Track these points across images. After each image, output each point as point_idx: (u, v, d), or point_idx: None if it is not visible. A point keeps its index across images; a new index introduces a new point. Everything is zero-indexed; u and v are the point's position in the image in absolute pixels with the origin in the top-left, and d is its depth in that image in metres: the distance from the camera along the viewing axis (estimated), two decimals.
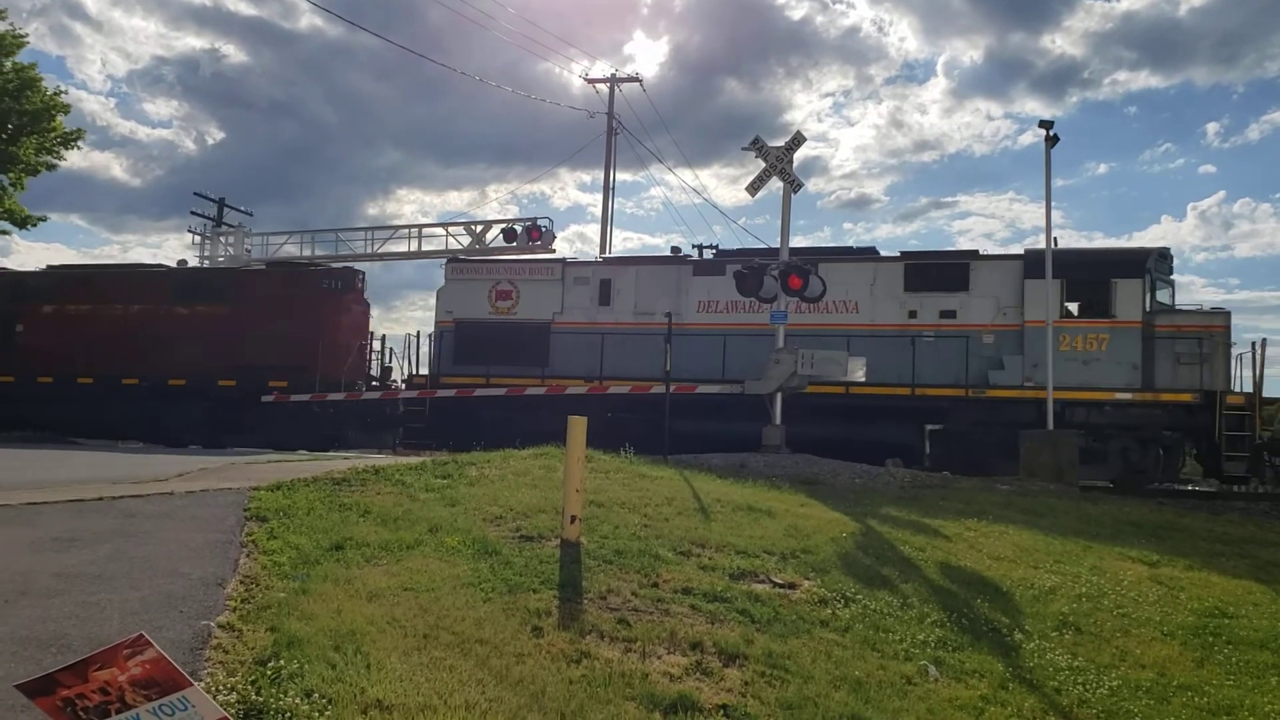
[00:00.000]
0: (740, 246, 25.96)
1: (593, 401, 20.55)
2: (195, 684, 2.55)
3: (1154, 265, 20.13)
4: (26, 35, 28.03)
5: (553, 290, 23.83)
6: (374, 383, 25.97)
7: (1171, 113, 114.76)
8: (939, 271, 21.24)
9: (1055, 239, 19.51)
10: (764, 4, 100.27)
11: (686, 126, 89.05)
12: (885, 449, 18.73)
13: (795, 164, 18.27)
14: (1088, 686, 6.61)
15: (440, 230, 30.91)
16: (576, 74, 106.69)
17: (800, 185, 18.53)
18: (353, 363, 24.86)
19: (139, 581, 5.90)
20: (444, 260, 26.02)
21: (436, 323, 24.60)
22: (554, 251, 27.63)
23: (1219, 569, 10.38)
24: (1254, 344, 19.12)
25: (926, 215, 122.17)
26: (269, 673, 4.52)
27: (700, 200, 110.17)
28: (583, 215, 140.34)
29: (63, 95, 28.04)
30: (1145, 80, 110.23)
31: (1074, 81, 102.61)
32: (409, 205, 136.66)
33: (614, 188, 34.37)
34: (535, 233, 28.06)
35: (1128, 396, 19.08)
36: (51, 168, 29.00)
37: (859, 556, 8.94)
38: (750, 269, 18.35)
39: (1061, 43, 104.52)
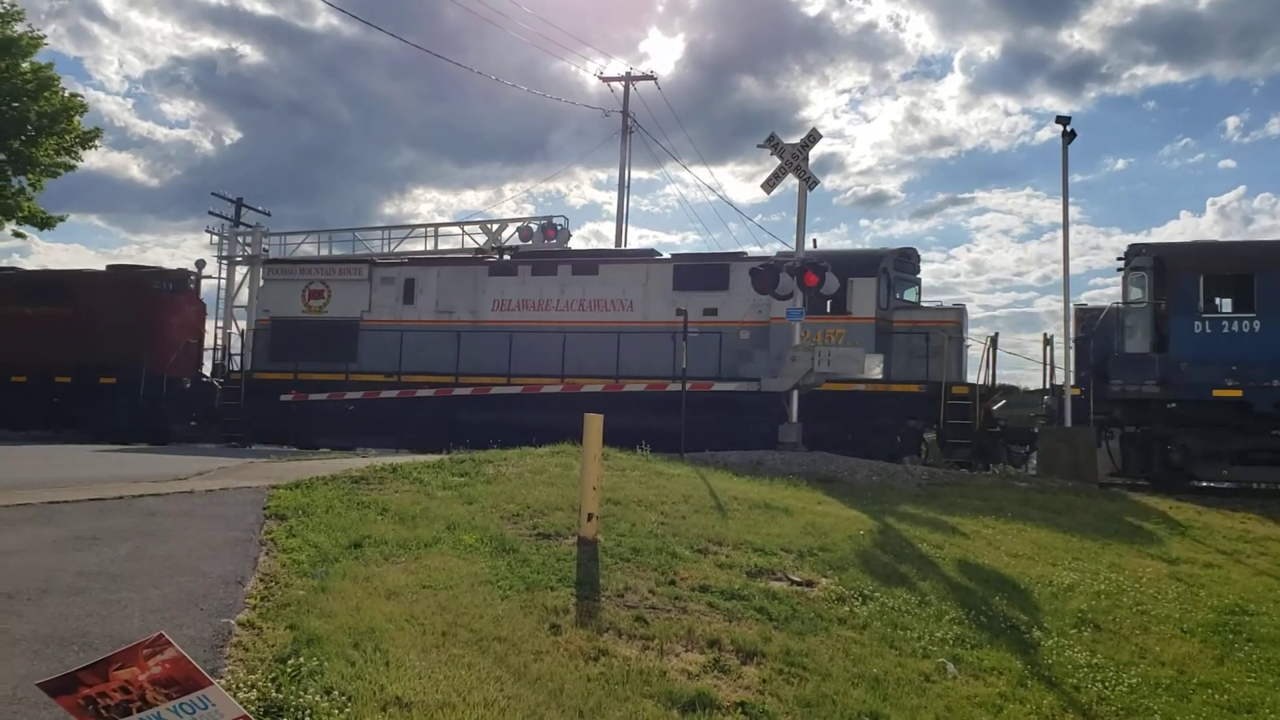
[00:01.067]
0: (541, 247, 27.15)
1: (407, 402, 22.75)
2: (215, 683, 2.56)
3: (892, 265, 21.63)
4: (44, 36, 28.24)
5: (361, 290, 24.93)
6: (203, 378, 27.64)
7: (1191, 107, 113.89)
8: (703, 272, 22.49)
9: (814, 240, 22.23)
10: (780, 0, 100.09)
11: (702, 124, 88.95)
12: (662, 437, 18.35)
13: (811, 161, 18.20)
14: (1107, 684, 6.58)
15: (456, 229, 30.98)
16: (592, 72, 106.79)
17: (816, 182, 18.49)
18: (178, 359, 25.96)
19: (160, 580, 5.93)
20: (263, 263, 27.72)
21: (255, 321, 26.00)
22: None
23: (1239, 566, 10.32)
24: (988, 339, 21.68)
25: (943, 211, 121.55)
26: (289, 670, 4.54)
27: (715, 198, 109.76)
28: (599, 213, 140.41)
29: (80, 97, 28.26)
30: (1164, 75, 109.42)
31: (1092, 76, 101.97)
32: (425, 204, 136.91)
33: (629, 186, 34.40)
34: (551, 231, 28.09)
35: (861, 387, 20.15)
36: (70, 168, 29.18)
37: (876, 554, 8.92)
38: (766, 267, 18.32)
39: (1079, 37, 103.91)
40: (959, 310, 22.06)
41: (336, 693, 4.35)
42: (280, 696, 4.23)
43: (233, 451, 18.68)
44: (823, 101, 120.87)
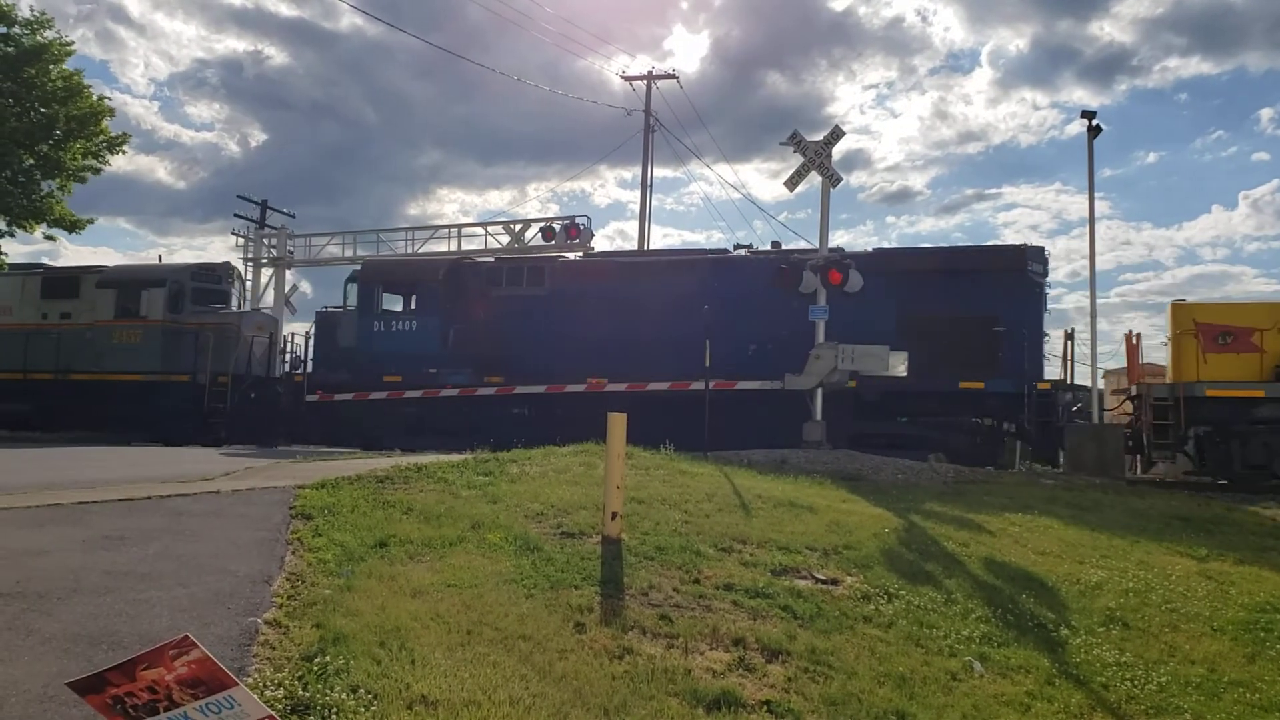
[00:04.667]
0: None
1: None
2: (240, 683, 2.57)
3: (188, 279, 26.03)
4: (73, 43, 28.55)
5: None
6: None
7: (1224, 99, 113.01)
8: (62, 284, 26.94)
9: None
10: None
11: (728, 121, 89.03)
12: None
13: (836, 157, 18.18)
14: (1136, 682, 6.53)
15: (480, 230, 31.11)
16: (616, 71, 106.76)
17: (839, 180, 18.43)
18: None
19: (187, 579, 5.98)
20: None
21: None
22: (592, 249, 27.69)
23: (1270, 563, 10.21)
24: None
25: (969, 207, 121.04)
26: (315, 668, 4.57)
27: (740, 196, 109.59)
28: (623, 212, 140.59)
29: (108, 101, 28.53)
30: (1197, 67, 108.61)
31: (1123, 69, 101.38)
32: (450, 205, 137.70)
33: (651, 185, 34.42)
34: (574, 231, 28.15)
35: (156, 377, 24.91)
36: (97, 172, 29.48)
37: (902, 552, 8.88)
38: (790, 264, 18.28)
39: (1110, 29, 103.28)
40: (239, 316, 26.39)
41: (363, 691, 4.37)
42: (307, 695, 4.25)
43: (259, 452, 18.80)
44: (849, 97, 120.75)
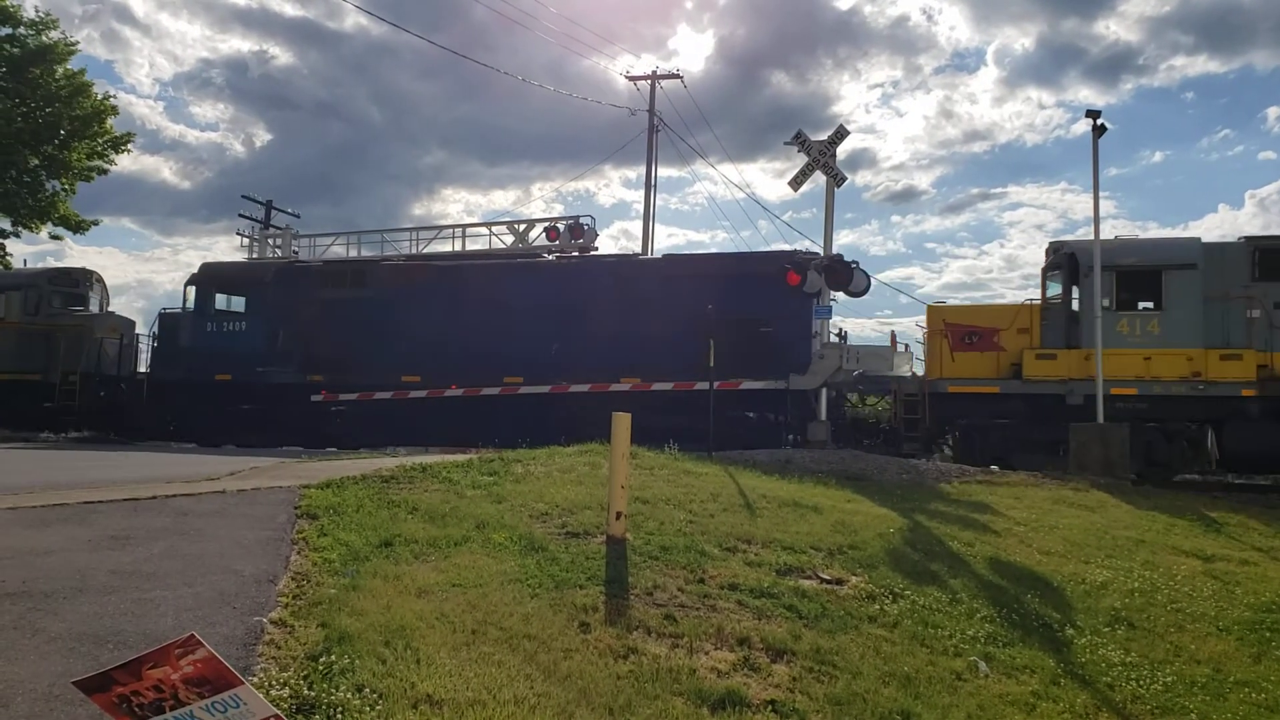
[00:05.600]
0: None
1: None
2: (246, 682, 2.58)
3: (45, 283, 27.22)
4: (77, 43, 28.62)
5: None
6: None
7: (1231, 98, 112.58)
8: None
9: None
10: None
11: (733, 120, 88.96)
12: None
13: (841, 156, 18.12)
14: (1141, 682, 6.52)
15: (484, 230, 31.08)
16: (620, 70, 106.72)
17: (844, 179, 18.37)
18: None
19: (193, 578, 5.99)
20: None
21: None
22: (596, 249, 27.68)
23: (1276, 563, 10.19)
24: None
25: (974, 207, 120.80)
26: (321, 668, 4.57)
27: (744, 196, 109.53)
28: (628, 212, 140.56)
29: (112, 100, 28.55)
30: (1203, 65, 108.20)
31: (1129, 68, 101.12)
32: (454, 205, 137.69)
33: (656, 185, 34.32)
34: (578, 231, 28.11)
35: (10, 376, 26.30)
36: (102, 173, 29.51)
37: (907, 552, 8.87)
38: (794, 264, 18.26)
39: (1116, 28, 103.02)
40: (92, 318, 27.35)
41: (368, 690, 4.38)
42: (312, 694, 4.26)
43: (264, 451, 18.82)
44: (854, 96, 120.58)
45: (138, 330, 28.25)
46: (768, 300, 21.21)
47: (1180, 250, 19.65)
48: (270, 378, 24.37)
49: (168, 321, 26.42)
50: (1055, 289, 20.02)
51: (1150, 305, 19.37)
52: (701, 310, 20.14)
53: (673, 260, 24.86)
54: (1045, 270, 20.47)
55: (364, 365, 23.60)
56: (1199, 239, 20.00)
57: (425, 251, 30.14)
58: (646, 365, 21.68)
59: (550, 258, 25.64)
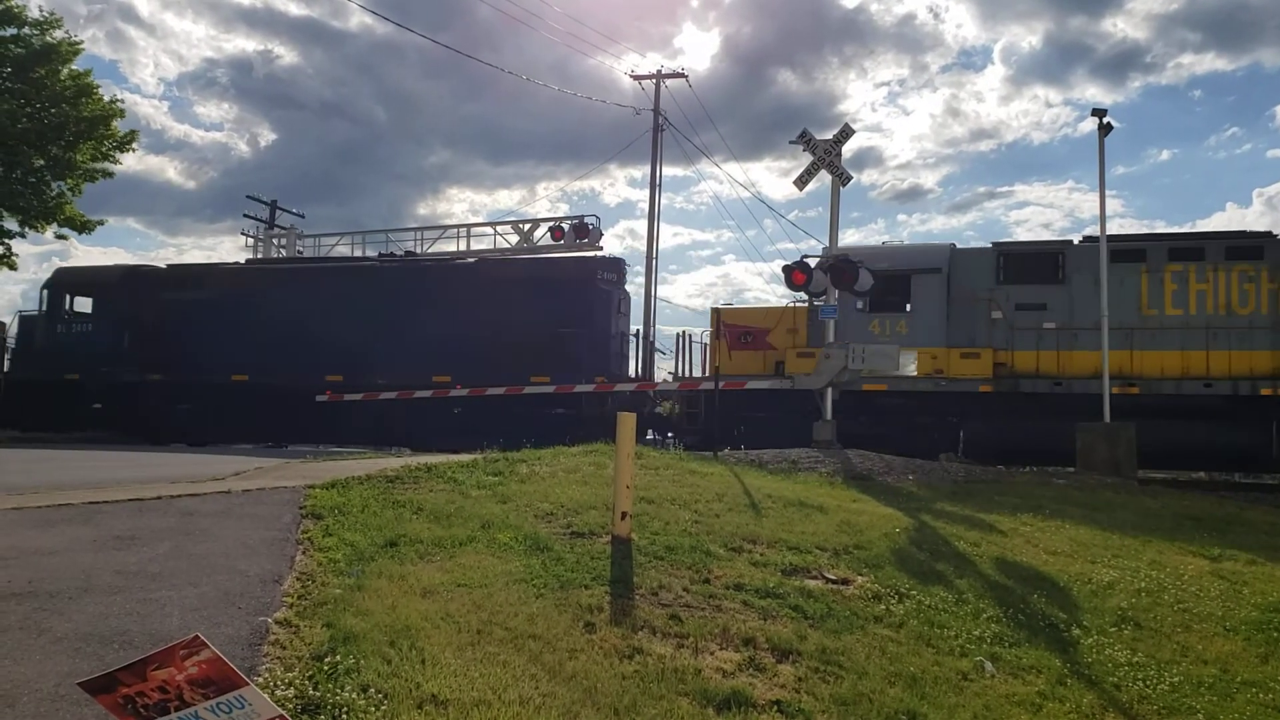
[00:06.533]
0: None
1: None
2: (250, 683, 2.57)
3: None
4: (82, 42, 28.57)
5: None
6: None
7: (1238, 95, 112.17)
8: None
9: None
10: None
11: (738, 119, 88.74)
12: None
13: (846, 155, 18.09)
14: (1148, 682, 6.50)
15: (489, 229, 31.10)
16: (625, 69, 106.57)
17: (849, 178, 18.35)
18: None
19: (198, 578, 5.99)
20: None
21: None
22: (601, 249, 27.70)
23: None
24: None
25: (981, 206, 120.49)
26: (325, 668, 4.57)
27: (750, 194, 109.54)
28: (633, 211, 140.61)
29: (120, 101, 28.58)
30: (1211, 63, 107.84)
31: (1136, 66, 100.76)
32: (459, 204, 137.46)
33: (661, 184, 34.12)
34: (583, 230, 28.11)
35: None
36: (109, 175, 29.52)
37: (913, 552, 8.85)
38: (798, 263, 18.23)
39: (1123, 26, 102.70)
40: None
41: (373, 690, 4.37)
42: (317, 694, 4.26)
43: (269, 451, 18.86)
44: (861, 95, 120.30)
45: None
46: (569, 304, 22.71)
47: (928, 255, 21.24)
48: (112, 377, 25.85)
49: (25, 324, 27.99)
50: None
51: (899, 307, 20.95)
52: (511, 314, 21.80)
53: (487, 264, 26.10)
54: None
55: (199, 363, 25.05)
56: (951, 245, 21.49)
57: (430, 251, 30.20)
58: (458, 367, 23.03)
59: (376, 263, 27.14)
